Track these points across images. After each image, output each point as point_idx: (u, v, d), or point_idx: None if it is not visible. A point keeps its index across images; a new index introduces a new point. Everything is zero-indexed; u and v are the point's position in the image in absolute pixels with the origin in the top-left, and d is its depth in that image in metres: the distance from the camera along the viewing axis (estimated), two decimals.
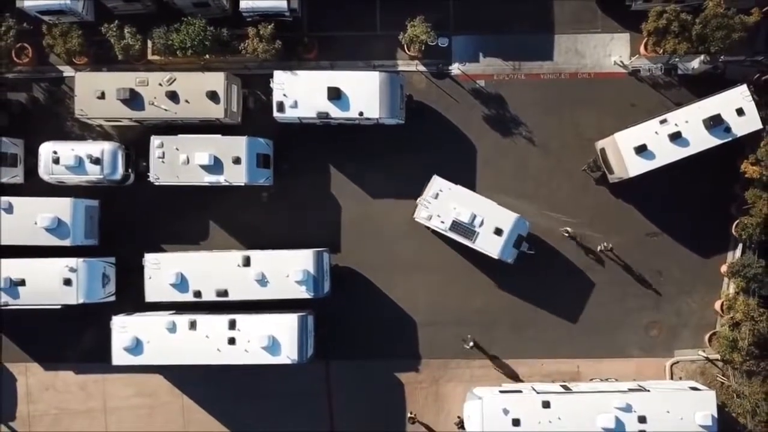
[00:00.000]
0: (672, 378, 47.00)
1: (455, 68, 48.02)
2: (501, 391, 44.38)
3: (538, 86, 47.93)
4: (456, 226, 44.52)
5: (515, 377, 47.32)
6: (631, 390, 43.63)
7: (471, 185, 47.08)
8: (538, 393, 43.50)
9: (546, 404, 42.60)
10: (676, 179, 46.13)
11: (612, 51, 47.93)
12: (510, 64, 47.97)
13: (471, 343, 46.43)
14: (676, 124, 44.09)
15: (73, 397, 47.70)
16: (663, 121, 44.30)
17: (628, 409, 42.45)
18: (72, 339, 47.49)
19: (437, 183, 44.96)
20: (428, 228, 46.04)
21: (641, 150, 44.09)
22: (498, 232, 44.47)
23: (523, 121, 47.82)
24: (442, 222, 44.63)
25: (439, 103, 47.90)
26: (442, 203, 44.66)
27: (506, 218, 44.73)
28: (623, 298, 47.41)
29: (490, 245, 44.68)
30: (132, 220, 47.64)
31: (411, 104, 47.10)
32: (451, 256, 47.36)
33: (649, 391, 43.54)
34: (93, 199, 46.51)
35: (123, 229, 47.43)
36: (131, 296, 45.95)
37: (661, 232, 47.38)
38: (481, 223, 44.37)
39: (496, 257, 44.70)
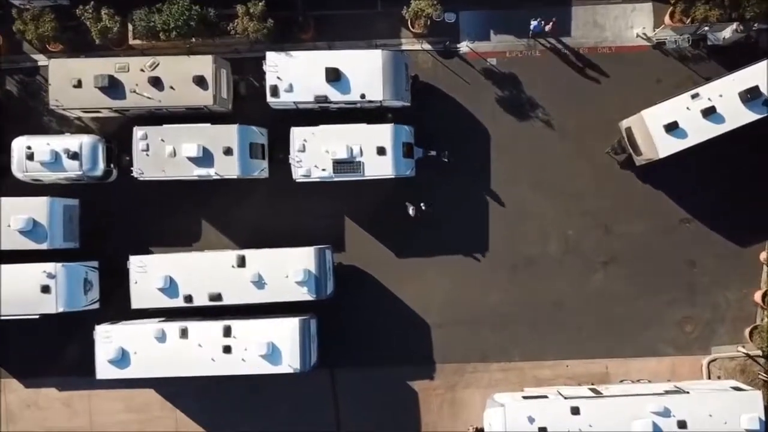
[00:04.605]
0: (710, 377, 44.14)
1: (464, 46, 45.20)
2: (524, 397, 41.38)
3: (555, 63, 45.19)
4: (338, 166, 41.82)
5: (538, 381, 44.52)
6: (668, 392, 40.53)
7: (484, 173, 44.73)
8: (565, 398, 40.33)
9: (575, 410, 39.48)
10: (710, 159, 43.19)
11: (634, 22, 45.03)
12: (523, 40, 45.16)
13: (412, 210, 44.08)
14: (709, 99, 41.02)
15: (57, 415, 44.92)
16: (695, 96, 41.18)
17: (666, 413, 39.27)
18: (53, 352, 44.66)
19: (297, 134, 42.06)
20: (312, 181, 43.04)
21: (672, 128, 41.02)
22: (381, 151, 41.85)
23: (539, 102, 45.07)
24: (323, 170, 41.90)
25: (447, 84, 45.08)
26: (313, 152, 41.90)
27: (383, 133, 42.01)
28: (653, 292, 44.58)
29: (380, 168, 41.99)
30: (116, 220, 44.85)
31: (417, 85, 44.34)
32: (463, 251, 44.89)
33: (688, 392, 40.34)
34: (72, 198, 43.70)
35: (106, 230, 44.65)
36: (117, 303, 43.20)
37: (693, 218, 44.55)
38: (361, 151, 41.76)
39: (393, 176, 42.30)
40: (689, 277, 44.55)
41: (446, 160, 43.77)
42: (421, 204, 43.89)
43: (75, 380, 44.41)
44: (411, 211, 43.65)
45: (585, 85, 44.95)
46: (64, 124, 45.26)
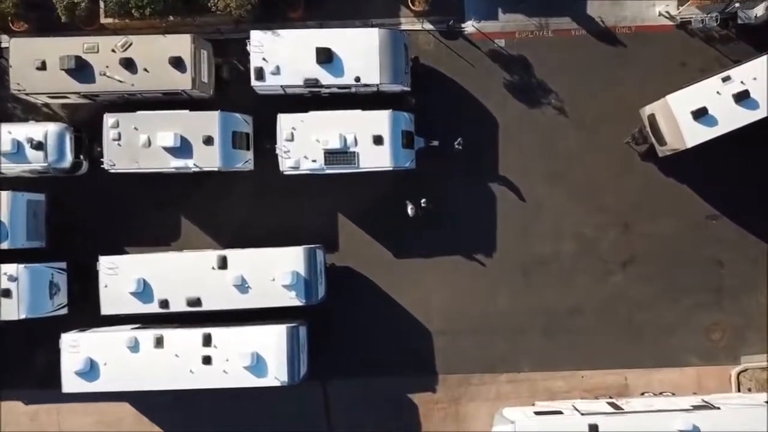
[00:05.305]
0: (739, 390, 42.01)
1: (469, 26, 43.46)
2: (536, 412, 38.80)
3: (569, 45, 43.40)
4: (330, 157, 40.15)
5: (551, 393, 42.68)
6: (696, 407, 37.86)
7: (491, 165, 43.06)
8: (582, 414, 37.65)
9: (593, 428, 36.81)
10: (740, 150, 41.20)
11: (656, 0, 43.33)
12: (534, 19, 43.45)
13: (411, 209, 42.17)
14: (742, 82, 38.94)
15: (23, 430, 42.80)
16: (726, 79, 39.12)
17: (695, 431, 36.59)
18: (18, 362, 42.57)
19: (285, 122, 40.42)
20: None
21: (700, 114, 38.85)
22: (378, 140, 40.09)
23: (552, 88, 43.34)
24: (314, 161, 40.30)
25: (450, 68, 43.36)
26: (302, 141, 40.23)
27: (380, 120, 40.20)
28: (677, 295, 42.71)
29: (377, 160, 40.27)
30: (86, 217, 43.03)
31: (417, 68, 42.52)
32: (468, 251, 43.10)
33: (718, 408, 37.61)
34: (37, 193, 41.71)
35: (75, 227, 42.83)
36: (87, 308, 41.21)
37: (721, 215, 42.72)
38: (356, 141, 40.01)
39: (392, 168, 40.66)
40: (717, 280, 42.85)
41: (459, 147, 41.75)
42: (422, 200, 41.86)
43: (42, 393, 42.43)
44: (410, 210, 41.65)
45: (602, 68, 43.30)
46: (31, 111, 43.45)
